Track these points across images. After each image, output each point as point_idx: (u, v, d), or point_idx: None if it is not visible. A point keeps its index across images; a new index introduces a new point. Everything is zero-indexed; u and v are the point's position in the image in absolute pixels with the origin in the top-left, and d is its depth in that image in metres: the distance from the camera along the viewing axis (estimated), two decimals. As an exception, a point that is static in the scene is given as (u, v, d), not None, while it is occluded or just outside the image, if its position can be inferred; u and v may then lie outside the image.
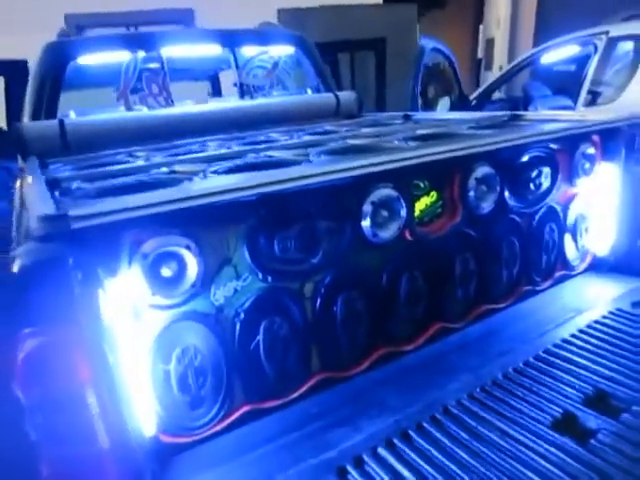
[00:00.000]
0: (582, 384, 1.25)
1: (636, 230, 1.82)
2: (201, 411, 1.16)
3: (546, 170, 1.63)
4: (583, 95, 3.61)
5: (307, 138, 2.24)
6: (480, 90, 4.50)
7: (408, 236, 1.40)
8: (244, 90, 2.88)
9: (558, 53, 3.96)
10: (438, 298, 1.51)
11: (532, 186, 1.62)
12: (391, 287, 1.41)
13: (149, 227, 1.00)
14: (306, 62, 3.12)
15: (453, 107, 4.35)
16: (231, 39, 2.83)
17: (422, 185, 1.44)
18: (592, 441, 1.07)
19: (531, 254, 1.71)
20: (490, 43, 7.06)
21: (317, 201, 1.21)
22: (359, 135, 2.07)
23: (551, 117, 2.06)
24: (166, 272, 1.04)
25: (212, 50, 2.93)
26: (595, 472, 0.99)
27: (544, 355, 1.37)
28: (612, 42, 3.50)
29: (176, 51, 2.72)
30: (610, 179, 1.79)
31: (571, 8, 6.56)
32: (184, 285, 1.07)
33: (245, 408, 1.23)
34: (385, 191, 1.30)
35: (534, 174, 1.61)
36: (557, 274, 1.82)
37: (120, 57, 2.64)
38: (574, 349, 1.39)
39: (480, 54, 7.86)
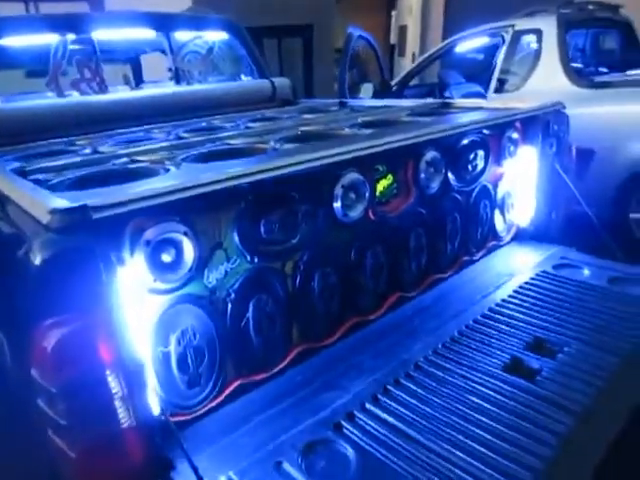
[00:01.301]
0: (522, 334, 1.49)
1: (551, 204, 2.12)
2: (197, 389, 1.23)
3: (481, 153, 1.85)
4: (493, 83, 3.97)
5: (254, 125, 2.31)
6: (400, 77, 4.75)
7: (371, 215, 1.55)
8: (179, 76, 2.85)
9: (471, 43, 4.30)
10: (396, 270, 1.68)
11: (470, 167, 1.83)
12: (358, 262, 1.55)
13: (152, 215, 1.05)
14: (240, 48, 3.14)
15: (376, 93, 4.55)
16: (165, 23, 2.78)
17: (380, 169, 1.59)
18: (538, 378, 1.30)
19: (469, 228, 1.94)
20: (403, 30, 7.41)
21: (297, 186, 1.31)
22: (306, 122, 2.17)
23: (476, 105, 2.31)
24: (166, 258, 1.09)
25: (135, 33, 2.85)
26: (543, 400, 1.21)
27: (489, 313, 1.60)
28: (517, 35, 3.88)
29: (99, 33, 2.62)
30: (529, 160, 2.07)
31: (475, 1, 7.07)
32: (182, 270, 1.13)
33: (237, 382, 1.31)
34: (353, 175, 1.43)
35: (471, 157, 1.82)
36: (488, 245, 2.08)
37: (41, 39, 2.52)
38: (512, 307, 1.63)
39: (393, 40, 8.20)
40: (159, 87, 2.93)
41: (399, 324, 1.62)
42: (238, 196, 1.21)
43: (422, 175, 1.65)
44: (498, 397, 1.25)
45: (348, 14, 7.33)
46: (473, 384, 1.29)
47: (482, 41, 4.25)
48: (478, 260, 2.02)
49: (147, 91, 2.88)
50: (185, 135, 2.14)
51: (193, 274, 1.16)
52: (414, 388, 1.29)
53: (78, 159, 1.58)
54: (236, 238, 1.24)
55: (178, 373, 1.18)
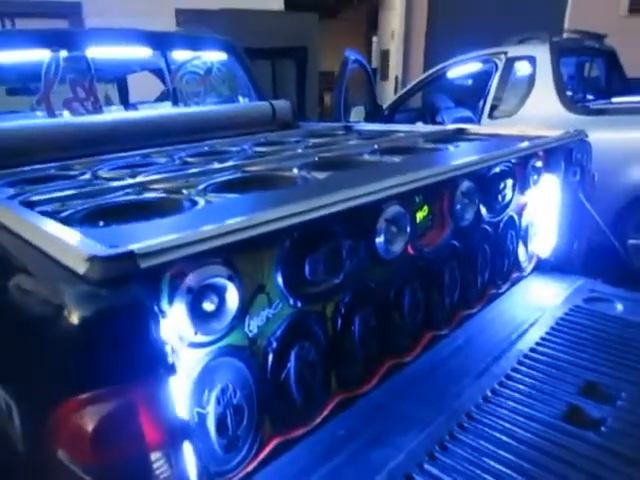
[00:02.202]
0: (572, 377, 1.39)
1: (573, 234, 2.06)
2: (235, 451, 1.08)
3: (509, 182, 1.78)
4: (487, 108, 3.98)
5: (262, 149, 2.19)
6: (391, 101, 4.74)
7: (410, 250, 1.45)
8: (177, 97, 2.72)
9: (462, 69, 4.32)
10: (431, 307, 1.57)
11: (499, 198, 1.76)
12: (396, 300, 1.44)
13: (194, 258, 0.91)
14: (238, 69, 3.03)
15: (367, 116, 4.51)
16: (163, 41, 2.65)
17: (417, 200, 1.49)
18: (602, 428, 1.20)
19: (496, 260, 1.85)
20: (385, 54, 7.48)
21: (341, 221, 1.19)
22: (318, 147, 2.07)
23: (491, 132, 2.26)
24: (209, 306, 0.95)
25: (130, 51, 2.72)
26: (612, 454, 1.11)
27: (532, 354, 1.50)
28: (510, 61, 3.91)
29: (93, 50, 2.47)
30: (552, 189, 2.01)
31: (454, 27, 7.21)
32: (225, 319, 0.99)
33: (275, 440, 1.17)
34: (395, 208, 1.32)
35: (501, 186, 1.75)
36: (513, 277, 2.00)
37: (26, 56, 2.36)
38: (554, 346, 1.54)
39: (375, 64, 8.26)
40: (155, 108, 2.79)
41: (436, 366, 1.50)
42: (284, 234, 1.08)
43: (457, 206, 1.56)
44: (562, 451, 1.14)
45: (328, 38, 7.37)
46: (533, 436, 1.18)
47: (474, 67, 4.28)
48: (503, 293, 1.93)
49: (144, 112, 2.74)
50: (191, 160, 2.01)
51: (235, 323, 1.02)
52: (471, 442, 1.17)
53: (86, 187, 1.43)
54: (279, 280, 1.11)
55: (216, 437, 1.03)
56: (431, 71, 4.39)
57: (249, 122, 2.88)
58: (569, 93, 3.86)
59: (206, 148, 2.35)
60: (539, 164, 1.93)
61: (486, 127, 2.60)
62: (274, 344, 1.12)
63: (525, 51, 3.85)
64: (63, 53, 2.31)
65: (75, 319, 0.70)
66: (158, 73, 3.54)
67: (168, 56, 2.68)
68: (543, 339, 1.58)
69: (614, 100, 4.25)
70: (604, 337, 1.56)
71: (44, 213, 1.16)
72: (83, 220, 1.13)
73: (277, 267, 1.10)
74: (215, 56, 2.88)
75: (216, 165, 1.74)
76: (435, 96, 4.87)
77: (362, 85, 4.48)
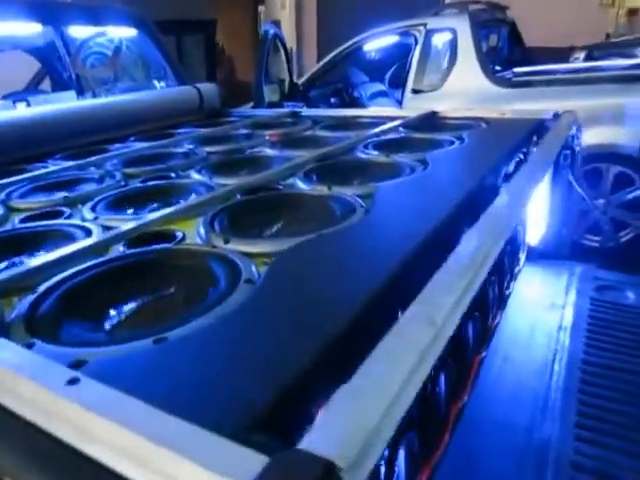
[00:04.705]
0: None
1: (562, 219, 1.99)
2: None
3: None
4: (410, 84, 3.85)
5: (217, 149, 1.79)
6: (305, 78, 4.41)
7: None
8: (82, 85, 2.14)
9: (378, 42, 4.13)
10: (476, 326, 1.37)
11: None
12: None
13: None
14: (150, 47, 2.50)
15: (283, 94, 4.15)
16: (56, 14, 2.04)
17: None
18: None
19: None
20: (277, 25, 7.04)
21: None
22: (287, 145, 1.74)
23: (474, 114, 2.07)
24: None
25: (11, 27, 2.08)
26: None
27: (590, 367, 1.37)
28: (430, 34, 3.80)
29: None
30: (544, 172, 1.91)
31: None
32: None
33: None
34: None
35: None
36: (515, 272, 1.87)
37: None
38: (604, 353, 1.43)
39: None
40: (55, 101, 2.17)
41: (492, 397, 1.31)
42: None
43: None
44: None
45: (213, 9, 6.77)
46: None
47: (391, 40, 4.11)
48: (511, 293, 1.80)
49: (38, 109, 2.11)
50: (133, 172, 1.56)
51: None
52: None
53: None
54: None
55: None
56: (346, 45, 4.14)
57: (175, 112, 2.40)
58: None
59: (141, 151, 1.87)
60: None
61: (462, 110, 2.36)
62: None
63: (445, 23, 3.76)
64: None
65: None
66: (35, 52, 2.83)
67: (64, 32, 2.07)
68: (588, 346, 1.46)
69: (515, 70, 4.39)
70: (642, 334, 1.50)
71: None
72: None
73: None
74: (122, 32, 2.32)
75: (187, 180, 1.34)
76: (350, 70, 4.65)
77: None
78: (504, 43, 4.69)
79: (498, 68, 4.37)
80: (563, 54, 4.55)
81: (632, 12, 8.54)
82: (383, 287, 0.68)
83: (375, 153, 1.52)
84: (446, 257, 0.89)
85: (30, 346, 0.63)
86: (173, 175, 1.52)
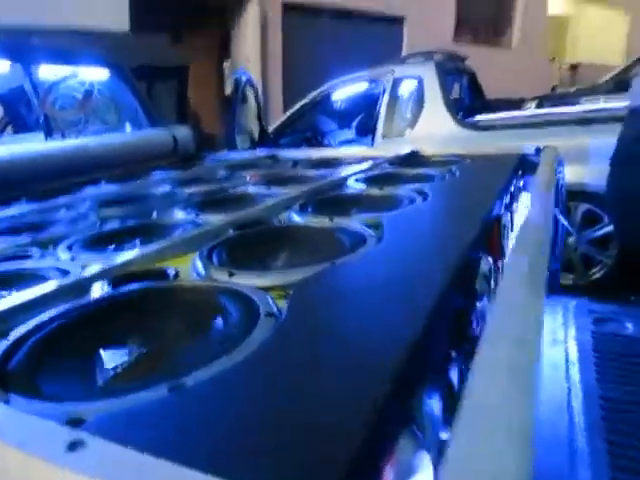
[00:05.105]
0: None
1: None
2: None
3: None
4: (380, 130, 3.92)
5: (196, 190, 1.71)
6: (276, 125, 4.44)
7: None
8: (50, 126, 2.03)
9: (346, 89, 4.22)
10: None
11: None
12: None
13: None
14: (122, 89, 2.43)
15: (253, 142, 4.15)
16: (26, 53, 1.95)
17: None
18: None
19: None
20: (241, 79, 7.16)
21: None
22: (273, 184, 1.67)
23: (453, 155, 2.07)
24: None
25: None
26: None
27: (607, 404, 1.30)
28: (397, 81, 3.91)
29: None
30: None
31: (308, 57, 7.28)
32: None
33: None
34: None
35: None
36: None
37: None
38: (618, 386, 1.37)
39: (228, 91, 7.89)
40: (21, 142, 2.04)
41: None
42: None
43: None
44: None
45: (186, 57, 6.84)
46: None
47: (359, 87, 4.21)
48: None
49: (2, 149, 1.97)
50: (113, 213, 1.44)
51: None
52: None
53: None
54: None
55: None
56: (315, 93, 4.22)
57: (148, 155, 2.31)
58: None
59: (116, 193, 1.76)
60: (522, 183, 1.80)
61: (434, 149, 2.38)
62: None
63: (411, 71, 3.89)
64: None
65: None
66: (-2, 98, 2.72)
67: (33, 73, 1.98)
68: (600, 381, 1.40)
69: (478, 117, 4.56)
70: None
71: None
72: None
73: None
74: (94, 74, 2.26)
75: (172, 218, 1.24)
76: (318, 118, 4.71)
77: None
78: (465, 92, 4.90)
79: (460, 115, 4.55)
80: (515, 105, 4.77)
81: (574, 67, 9.23)
82: (433, 313, 0.59)
83: (369, 186, 1.47)
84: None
85: (6, 402, 0.50)
86: (155, 215, 1.41)
